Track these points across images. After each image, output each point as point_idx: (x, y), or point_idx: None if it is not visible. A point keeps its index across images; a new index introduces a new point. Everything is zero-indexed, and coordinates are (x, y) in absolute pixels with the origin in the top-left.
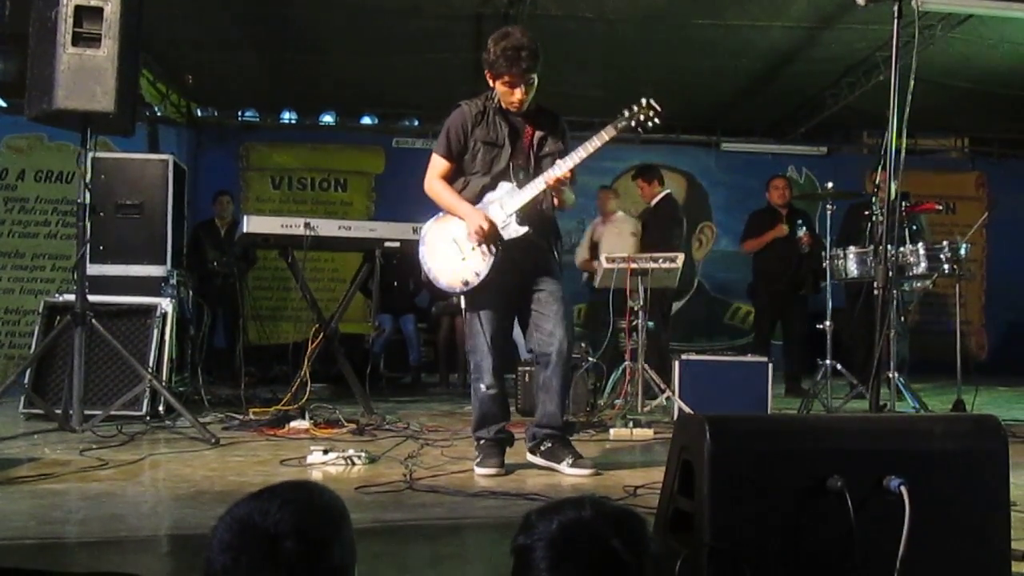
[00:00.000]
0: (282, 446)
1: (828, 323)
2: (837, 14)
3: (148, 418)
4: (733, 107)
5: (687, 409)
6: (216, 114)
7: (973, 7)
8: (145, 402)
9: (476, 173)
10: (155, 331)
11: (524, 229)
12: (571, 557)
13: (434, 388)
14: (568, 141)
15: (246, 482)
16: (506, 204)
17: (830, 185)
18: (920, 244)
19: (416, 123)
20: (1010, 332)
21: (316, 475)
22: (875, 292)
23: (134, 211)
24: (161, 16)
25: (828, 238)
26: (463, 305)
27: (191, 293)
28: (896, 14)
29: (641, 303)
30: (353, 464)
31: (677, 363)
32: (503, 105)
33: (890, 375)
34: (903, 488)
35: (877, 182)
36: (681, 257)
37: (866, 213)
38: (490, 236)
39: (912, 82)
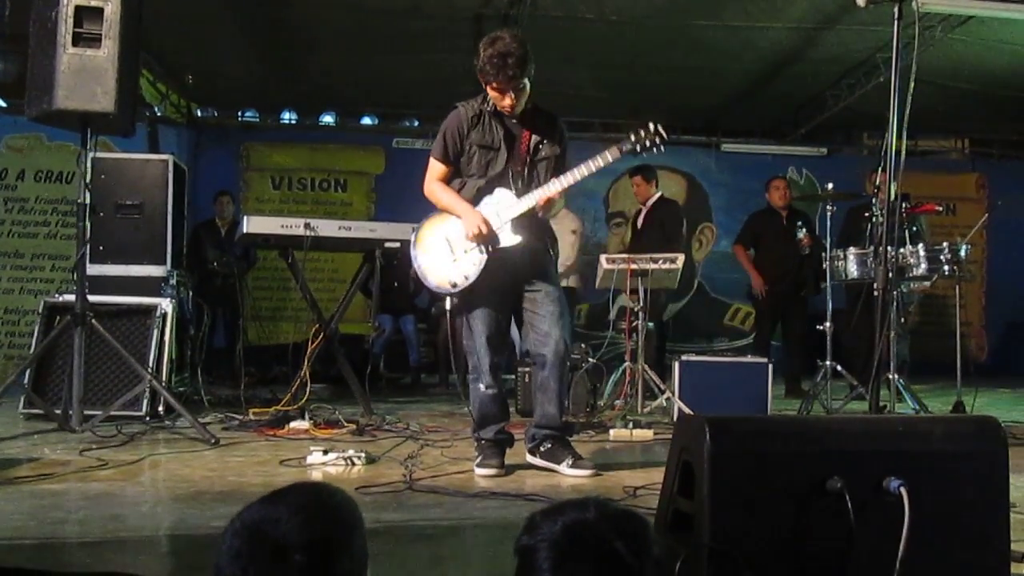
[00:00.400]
0: (282, 446)
1: (828, 324)
2: (837, 15)
3: (148, 418)
4: (733, 108)
5: (687, 410)
6: (216, 114)
7: (973, 8)
8: (145, 402)
9: (472, 176)
10: (155, 331)
11: (517, 239)
12: (574, 558)
13: (434, 389)
14: (566, 143)
15: (246, 482)
16: (502, 212)
17: (830, 186)
18: (920, 245)
19: (416, 123)
20: (1010, 333)
21: (316, 475)
22: (875, 293)
23: (134, 211)
24: (161, 16)
25: (828, 239)
26: (448, 307)
27: (191, 293)
28: (896, 15)
29: (641, 304)
30: (353, 464)
31: (677, 364)
32: (498, 108)
33: (890, 376)
34: (903, 489)
35: (877, 183)
36: (681, 258)
37: (866, 214)
38: (487, 238)
39: (912, 83)
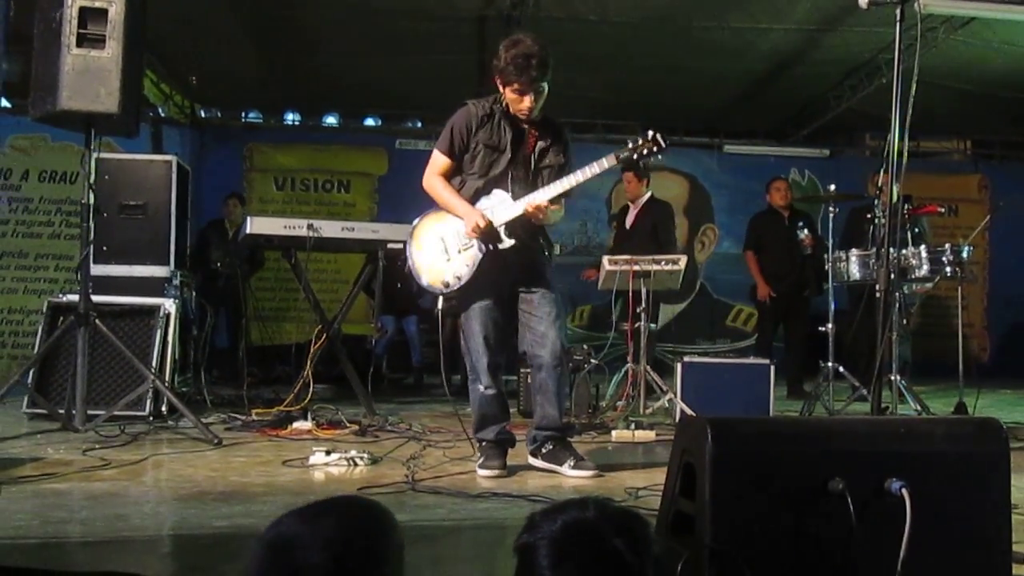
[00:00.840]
0: (284, 447)
1: (830, 325)
2: (839, 16)
3: (151, 418)
4: (735, 109)
5: (689, 411)
6: (220, 115)
7: (976, 10)
8: (148, 402)
9: (473, 175)
10: (158, 331)
11: (511, 242)
12: (573, 556)
13: (436, 389)
14: (570, 154)
15: (248, 483)
16: (497, 214)
17: (832, 187)
18: (922, 247)
19: (419, 124)
20: (1012, 334)
21: (318, 476)
22: (877, 294)
23: (138, 212)
24: (165, 17)
25: (830, 240)
26: (439, 306)
27: (194, 294)
28: (898, 16)
29: (644, 305)
30: (355, 465)
31: (679, 365)
32: (510, 111)
33: (892, 377)
34: (904, 490)
35: (880, 184)
36: (684, 259)
37: (868, 216)
38: (487, 234)
39: (914, 85)
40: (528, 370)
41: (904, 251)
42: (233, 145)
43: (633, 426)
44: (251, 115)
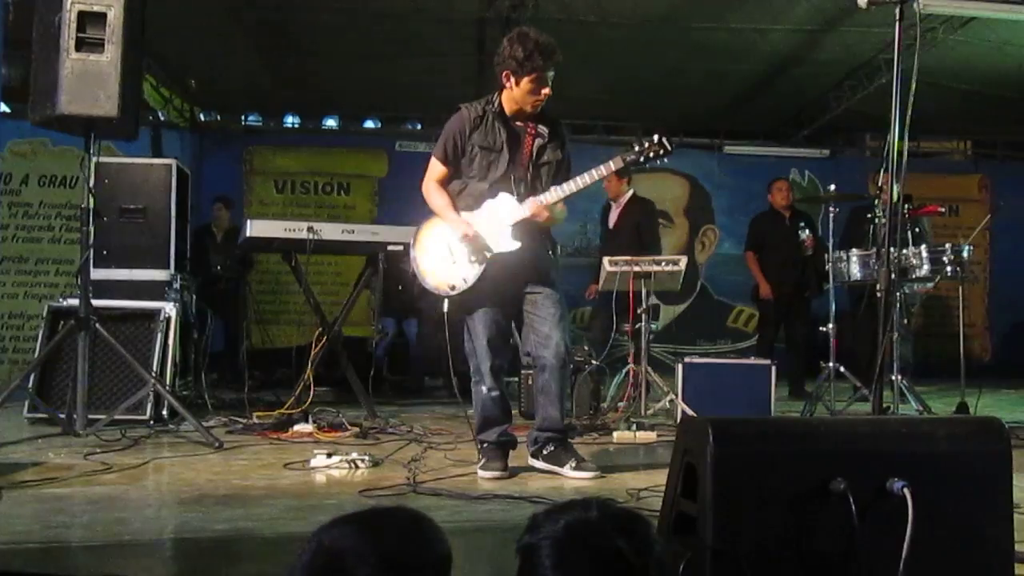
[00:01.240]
0: (286, 449)
1: (831, 325)
2: (839, 17)
3: (152, 422)
4: (735, 110)
5: (690, 412)
6: (219, 118)
7: (975, 9)
8: (149, 406)
9: (474, 178)
10: (159, 335)
11: (516, 244)
12: (576, 557)
13: (437, 391)
14: (568, 148)
15: (250, 486)
16: (503, 217)
17: (832, 188)
18: (923, 247)
19: (419, 126)
20: (1013, 334)
21: (320, 478)
22: (878, 294)
23: (138, 215)
24: (164, 21)
25: (831, 241)
26: (445, 308)
27: (194, 297)
28: (898, 17)
29: (644, 306)
30: (357, 467)
31: (680, 366)
32: (505, 110)
33: (893, 378)
34: (906, 490)
35: (880, 184)
36: (684, 260)
37: (869, 216)
38: (476, 246)
39: (914, 85)
40: (529, 372)
41: (905, 251)
42: (233, 148)
43: (634, 427)
44: (251, 118)
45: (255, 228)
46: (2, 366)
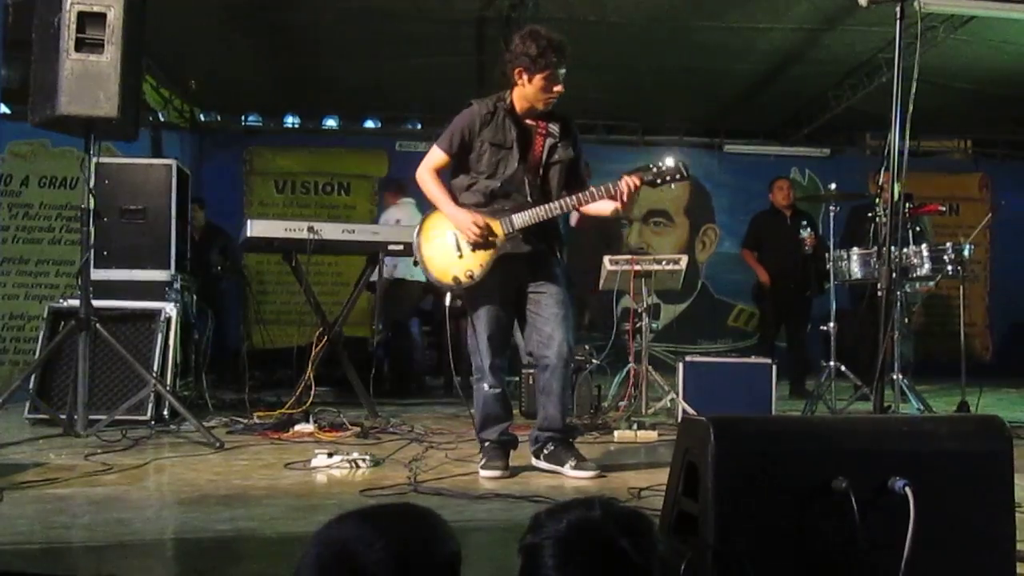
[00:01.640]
0: (286, 449)
1: (832, 324)
2: (839, 16)
3: (153, 422)
4: (736, 109)
5: (691, 411)
6: (219, 119)
7: (976, 8)
8: (150, 406)
9: (482, 174)
10: (159, 335)
11: (527, 248)
12: (579, 556)
13: (438, 391)
14: (579, 145)
15: (250, 486)
16: (515, 220)
17: (833, 187)
18: (924, 245)
19: (419, 126)
20: (1014, 333)
21: (321, 478)
22: (879, 293)
23: (138, 216)
24: (164, 21)
25: (832, 240)
26: (447, 302)
27: (195, 297)
28: (899, 15)
29: (645, 305)
30: (357, 467)
31: (681, 365)
32: (516, 109)
33: (894, 376)
34: (908, 489)
35: (881, 183)
36: (685, 259)
37: (869, 215)
38: (484, 235)
39: (915, 83)
40: (530, 371)
41: (905, 250)
42: (233, 148)
43: (635, 426)
44: (251, 118)
45: (255, 228)
46: (3, 367)
